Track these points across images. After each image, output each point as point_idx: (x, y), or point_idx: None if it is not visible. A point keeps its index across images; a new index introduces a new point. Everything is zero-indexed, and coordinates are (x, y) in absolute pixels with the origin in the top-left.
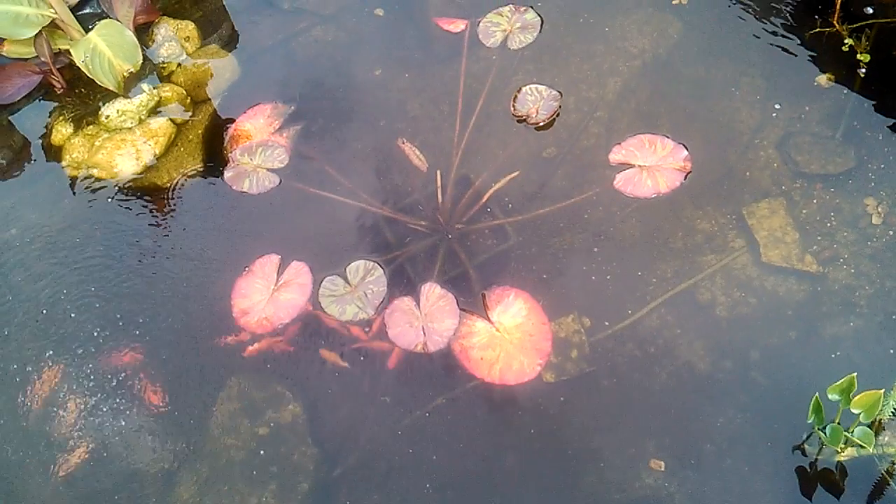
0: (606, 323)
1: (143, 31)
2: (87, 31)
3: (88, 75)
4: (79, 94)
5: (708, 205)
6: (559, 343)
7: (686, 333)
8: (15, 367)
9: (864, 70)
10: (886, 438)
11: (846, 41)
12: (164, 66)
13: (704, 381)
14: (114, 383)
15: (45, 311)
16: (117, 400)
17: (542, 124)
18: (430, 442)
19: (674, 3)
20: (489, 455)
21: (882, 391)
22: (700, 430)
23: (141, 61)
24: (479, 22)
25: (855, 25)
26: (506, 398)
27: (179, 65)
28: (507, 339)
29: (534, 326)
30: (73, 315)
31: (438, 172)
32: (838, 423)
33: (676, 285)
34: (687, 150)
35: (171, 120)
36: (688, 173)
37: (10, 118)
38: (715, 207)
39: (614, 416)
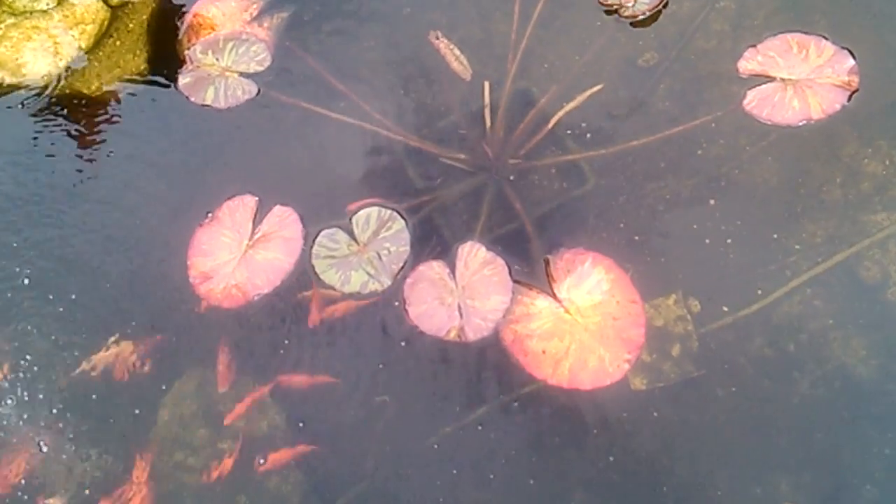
0: (725, 308)
1: None
2: None
3: None
4: None
5: (881, 138)
6: (655, 334)
7: (842, 325)
8: None
9: None
10: None
11: None
12: None
13: (866, 394)
14: (16, 375)
15: None
16: (23, 399)
17: (640, 17)
18: (467, 470)
19: None
20: (551, 490)
21: None
22: (857, 463)
23: None
24: None
25: None
26: (577, 409)
27: None
28: (581, 324)
29: (620, 307)
30: None
31: (487, 84)
32: None
33: (830, 255)
34: (854, 57)
35: (104, 1)
36: (853, 92)
37: None
38: (892, 143)
39: (732, 440)
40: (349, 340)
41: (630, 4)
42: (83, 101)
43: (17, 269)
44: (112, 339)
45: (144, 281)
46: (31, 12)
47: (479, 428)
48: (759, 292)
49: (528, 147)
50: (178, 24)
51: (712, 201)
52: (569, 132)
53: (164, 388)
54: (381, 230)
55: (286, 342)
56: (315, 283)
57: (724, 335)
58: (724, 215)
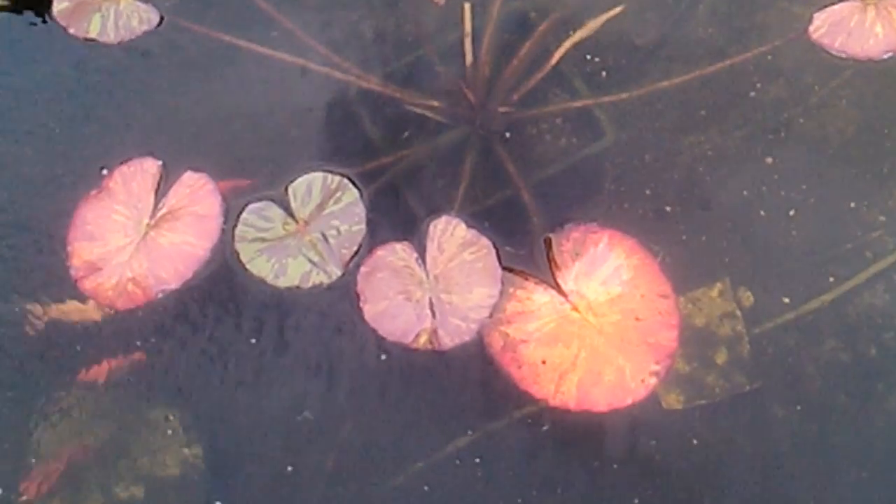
0: (786, 300)
1: None
2: None
3: None
4: None
5: None
6: (694, 337)
7: None
8: None
9: None
10: None
11: None
12: None
13: None
14: None
15: None
16: None
17: None
18: None
19: None
20: None
21: None
22: None
23: None
24: None
25: None
26: (589, 438)
27: None
28: (594, 325)
29: (646, 303)
30: None
31: (467, 6)
32: None
33: None
34: None
35: None
36: None
37: None
38: None
39: (797, 476)
40: (284, 350)
41: None
42: None
43: None
44: None
45: (5, 276)
46: None
47: (459, 463)
48: (832, 279)
49: (523, 90)
50: None
51: (769, 159)
52: (578, 70)
53: None
54: (328, 203)
55: (199, 353)
56: None
57: (786, 336)
58: (784, 178)
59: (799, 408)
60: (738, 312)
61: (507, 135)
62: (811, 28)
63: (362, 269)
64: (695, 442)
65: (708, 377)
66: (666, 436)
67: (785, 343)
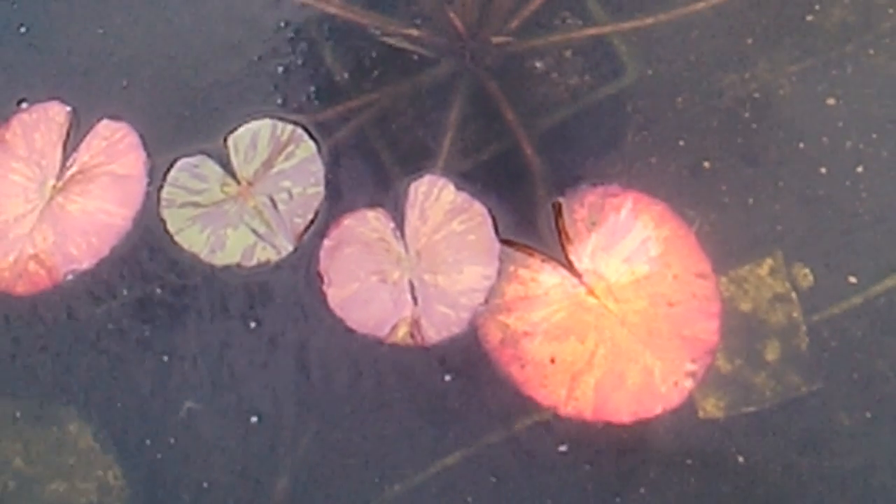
0: (852, 279)
1: None
2: None
3: None
4: None
5: None
6: (739, 326)
7: None
8: None
9: None
10: None
11: None
12: None
13: None
14: None
15: None
16: None
17: None
18: None
19: None
20: None
21: None
22: None
23: None
24: None
25: None
26: (609, 455)
27: None
28: (616, 313)
29: (679, 284)
30: None
31: None
32: None
33: None
34: None
35: None
36: None
37: None
38: None
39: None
40: (223, 346)
41: None
42: None
43: None
44: None
45: None
46: None
47: (446, 488)
48: None
49: (524, 15)
50: None
51: (831, 101)
52: None
53: None
54: (278, 159)
55: (120, 360)
56: None
57: (853, 325)
58: (850, 124)
59: (869, 415)
60: (794, 295)
61: (504, 70)
62: None
63: (326, 242)
64: (740, 459)
65: (756, 378)
66: (703, 452)
67: (852, 334)
